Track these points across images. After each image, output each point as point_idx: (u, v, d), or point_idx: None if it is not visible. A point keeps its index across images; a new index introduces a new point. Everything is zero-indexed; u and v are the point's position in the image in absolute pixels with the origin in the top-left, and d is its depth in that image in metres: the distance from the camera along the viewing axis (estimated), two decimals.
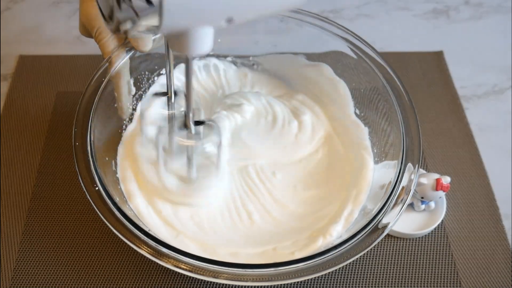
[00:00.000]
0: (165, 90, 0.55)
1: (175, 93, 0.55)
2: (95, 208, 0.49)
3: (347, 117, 0.64)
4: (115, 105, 0.59)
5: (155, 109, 0.56)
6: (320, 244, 0.53)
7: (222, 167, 0.58)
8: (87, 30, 0.56)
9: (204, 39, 0.41)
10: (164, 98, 0.55)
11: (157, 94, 0.56)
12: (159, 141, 0.55)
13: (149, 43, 0.56)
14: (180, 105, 0.55)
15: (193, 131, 0.51)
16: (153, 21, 0.36)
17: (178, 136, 0.51)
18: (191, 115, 0.49)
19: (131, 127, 0.62)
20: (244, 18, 0.40)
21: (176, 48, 0.42)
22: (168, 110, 0.56)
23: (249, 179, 0.60)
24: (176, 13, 0.35)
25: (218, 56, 0.68)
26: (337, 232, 0.54)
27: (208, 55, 0.68)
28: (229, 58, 0.69)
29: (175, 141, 0.53)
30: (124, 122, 0.61)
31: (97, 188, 0.50)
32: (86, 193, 0.49)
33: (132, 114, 0.62)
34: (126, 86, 0.58)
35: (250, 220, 0.57)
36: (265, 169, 0.61)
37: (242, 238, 0.55)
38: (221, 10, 0.38)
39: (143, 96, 0.63)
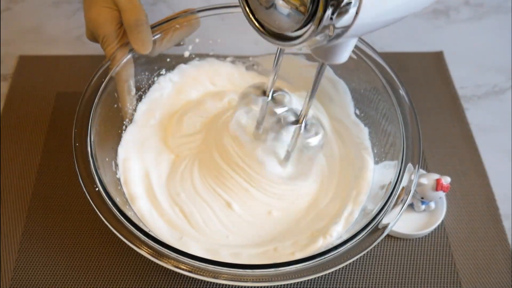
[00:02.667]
0: (257, 92, 0.57)
1: (272, 96, 0.56)
2: (95, 209, 0.49)
3: (347, 117, 0.64)
4: (115, 105, 0.59)
5: (250, 100, 0.57)
6: (320, 244, 0.53)
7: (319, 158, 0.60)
8: (94, 36, 0.57)
9: (348, 50, 0.43)
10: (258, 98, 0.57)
11: (249, 96, 0.57)
12: (265, 131, 0.57)
13: (150, 45, 0.56)
14: (276, 104, 0.56)
15: (302, 129, 0.53)
16: (334, 39, 0.36)
17: (285, 132, 0.54)
18: (306, 116, 0.52)
19: (131, 128, 0.62)
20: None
21: (318, 56, 0.43)
22: (263, 109, 0.56)
23: (248, 179, 0.60)
24: (357, 31, 0.36)
25: (218, 57, 0.68)
26: (337, 233, 0.54)
27: (207, 56, 0.68)
28: (229, 59, 0.69)
29: (280, 132, 0.55)
30: (124, 122, 0.61)
31: (97, 189, 0.50)
32: (86, 193, 0.50)
33: (132, 115, 0.62)
34: (126, 86, 0.58)
35: (251, 221, 0.57)
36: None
37: (244, 238, 0.55)
38: (399, 15, 0.39)
39: (143, 97, 0.63)
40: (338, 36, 0.36)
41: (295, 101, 0.59)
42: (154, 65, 0.64)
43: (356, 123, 0.64)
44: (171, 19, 0.61)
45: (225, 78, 0.69)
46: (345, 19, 0.34)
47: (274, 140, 0.56)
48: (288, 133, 0.54)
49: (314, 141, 0.54)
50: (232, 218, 0.57)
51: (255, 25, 0.40)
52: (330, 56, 0.43)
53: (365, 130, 0.63)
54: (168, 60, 0.65)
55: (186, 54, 0.66)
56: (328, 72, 0.65)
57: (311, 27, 0.35)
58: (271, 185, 0.58)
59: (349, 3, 0.34)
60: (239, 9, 0.64)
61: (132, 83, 0.59)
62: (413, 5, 0.39)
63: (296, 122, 0.54)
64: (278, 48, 0.52)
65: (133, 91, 0.60)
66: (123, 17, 0.55)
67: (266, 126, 0.57)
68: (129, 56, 0.58)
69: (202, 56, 0.67)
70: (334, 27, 0.35)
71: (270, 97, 0.56)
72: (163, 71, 0.65)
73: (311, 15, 0.35)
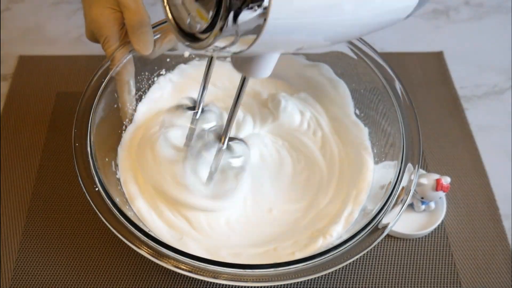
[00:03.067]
0: (190, 104, 0.56)
1: (203, 110, 0.56)
2: (95, 209, 0.49)
3: (347, 117, 0.64)
4: (115, 105, 0.59)
5: (177, 117, 0.56)
6: (320, 244, 0.53)
7: (244, 178, 0.58)
8: (94, 36, 0.56)
9: (270, 64, 0.42)
10: (188, 112, 0.56)
11: (182, 107, 0.56)
12: (190, 149, 0.56)
13: (151, 46, 0.56)
14: (204, 120, 0.56)
15: (224, 147, 0.51)
16: (244, 44, 0.34)
17: (205, 152, 0.52)
18: (228, 136, 0.50)
19: (131, 128, 0.62)
20: (315, 47, 0.40)
21: (239, 69, 0.42)
22: (192, 124, 0.56)
23: (250, 180, 0.60)
24: (269, 39, 0.34)
25: (218, 57, 0.68)
26: (337, 233, 0.54)
27: (207, 56, 0.68)
28: (229, 59, 0.69)
29: (202, 152, 0.53)
30: (124, 123, 0.61)
31: (97, 189, 0.50)
32: (86, 194, 0.49)
33: (132, 115, 0.62)
34: (126, 86, 0.58)
35: (253, 221, 0.57)
36: (265, 170, 0.61)
37: (244, 239, 0.55)
38: (307, 41, 0.38)
39: (143, 97, 0.63)
40: (247, 43, 0.34)
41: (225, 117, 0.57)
42: (154, 65, 0.64)
43: (356, 123, 0.64)
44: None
45: (225, 78, 0.69)
46: (251, 21, 0.32)
47: (197, 159, 0.55)
48: (210, 153, 0.52)
49: (236, 162, 0.53)
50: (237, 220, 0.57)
51: (171, 22, 0.39)
52: (249, 70, 0.42)
53: (365, 130, 0.63)
54: (168, 60, 0.65)
55: (186, 54, 0.66)
56: (328, 72, 0.65)
57: (215, 28, 0.33)
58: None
59: (257, 3, 0.31)
60: None
61: (132, 83, 0.59)
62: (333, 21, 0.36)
63: (219, 141, 0.52)
64: (208, 59, 0.51)
65: (133, 91, 0.60)
66: (125, 17, 0.55)
67: (192, 144, 0.56)
68: (130, 56, 0.58)
69: (202, 56, 0.67)
70: (240, 32, 0.33)
71: (199, 113, 0.55)
72: (163, 71, 0.65)
73: (216, 16, 0.33)
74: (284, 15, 0.33)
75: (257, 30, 0.33)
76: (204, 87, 0.53)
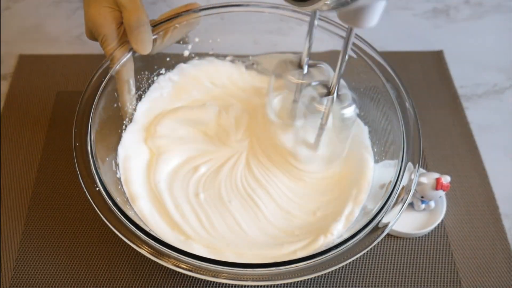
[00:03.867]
0: (299, 60, 0.56)
1: (309, 66, 0.56)
2: (96, 209, 0.49)
3: None
4: (115, 105, 0.59)
5: (286, 77, 0.56)
6: (321, 243, 0.53)
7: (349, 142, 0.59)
8: (93, 35, 0.56)
9: (376, 13, 0.41)
10: (295, 68, 0.56)
11: (292, 63, 0.56)
12: (297, 110, 0.56)
13: (150, 45, 0.56)
14: (311, 77, 0.56)
15: (334, 100, 0.52)
16: None
17: (318, 104, 0.53)
18: (337, 85, 0.51)
19: (131, 128, 0.62)
20: None
21: (346, 20, 0.42)
22: (300, 79, 0.56)
23: (252, 180, 0.60)
24: None
25: (217, 56, 0.68)
26: (338, 231, 0.54)
27: (207, 55, 0.68)
28: (228, 58, 0.69)
29: (312, 107, 0.54)
30: (124, 122, 0.61)
31: (97, 189, 0.50)
32: (87, 193, 0.49)
33: (132, 115, 0.62)
34: (126, 85, 0.58)
35: (255, 222, 0.57)
36: (265, 170, 0.61)
37: (245, 240, 0.55)
38: None
39: (143, 97, 0.63)
40: None
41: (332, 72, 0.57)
42: (154, 65, 0.64)
43: (356, 122, 0.63)
44: (172, 18, 0.61)
45: (224, 77, 0.69)
46: None
47: (307, 118, 0.55)
48: (321, 105, 0.52)
49: (348, 111, 0.53)
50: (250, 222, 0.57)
51: None
52: (358, 20, 0.41)
53: (365, 129, 0.63)
54: (167, 59, 0.65)
55: (186, 53, 0.66)
56: (328, 71, 0.65)
57: None
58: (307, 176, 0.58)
59: None
60: (239, 8, 0.64)
61: (132, 82, 0.59)
62: None
63: (328, 93, 0.52)
64: (312, 14, 0.51)
65: (133, 90, 0.60)
66: (124, 17, 0.55)
67: (300, 104, 0.56)
68: (129, 55, 0.58)
69: (201, 55, 0.67)
70: None
71: (305, 70, 0.55)
72: (162, 71, 0.65)
73: None
74: None
75: None
76: (309, 45, 0.53)
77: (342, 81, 0.57)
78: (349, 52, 0.48)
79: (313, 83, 0.55)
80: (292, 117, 0.59)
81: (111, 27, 0.55)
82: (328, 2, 0.35)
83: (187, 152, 0.61)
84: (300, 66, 0.56)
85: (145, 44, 0.55)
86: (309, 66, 0.56)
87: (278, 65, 0.57)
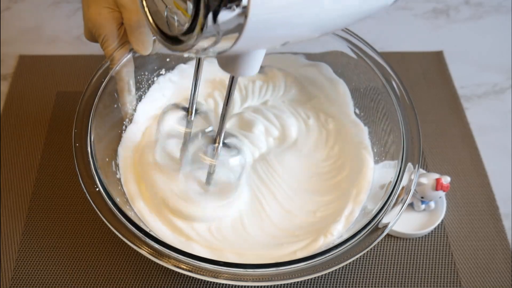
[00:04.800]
0: (185, 105, 0.55)
1: (196, 111, 0.55)
2: (96, 209, 0.49)
3: (346, 116, 0.64)
4: (115, 105, 0.59)
5: (171, 122, 0.56)
6: (321, 243, 0.53)
7: (242, 185, 0.58)
8: (93, 36, 0.56)
9: (257, 62, 0.41)
10: (181, 113, 0.55)
11: (177, 106, 0.56)
12: (185, 155, 0.55)
13: (150, 46, 0.56)
14: (198, 123, 0.55)
15: (219, 151, 0.51)
16: (226, 43, 0.33)
17: (202, 154, 0.51)
18: (222, 135, 0.49)
19: (131, 128, 0.62)
20: (301, 39, 0.40)
21: (225, 68, 0.41)
22: (186, 126, 0.56)
23: (257, 180, 0.60)
24: (253, 36, 0.34)
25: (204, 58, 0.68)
26: (338, 232, 0.54)
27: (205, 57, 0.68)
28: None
29: (197, 157, 0.53)
30: (124, 123, 0.61)
31: (97, 189, 0.50)
32: (87, 194, 0.49)
33: (132, 115, 0.62)
34: (126, 86, 0.58)
35: (258, 223, 0.57)
36: (270, 171, 0.61)
37: (247, 241, 0.55)
38: (292, 34, 0.37)
39: (143, 97, 0.63)
40: (230, 42, 0.33)
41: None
42: (154, 65, 0.63)
43: (356, 123, 0.64)
44: None
45: (224, 77, 0.69)
46: (232, 20, 0.32)
47: (194, 163, 0.54)
48: (205, 155, 0.51)
49: (233, 161, 0.52)
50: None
51: (152, 26, 0.38)
52: (236, 69, 0.41)
53: (365, 130, 0.63)
54: (168, 60, 0.65)
55: (185, 54, 0.66)
56: (328, 71, 0.65)
57: (196, 29, 0.32)
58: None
59: (235, 3, 0.31)
60: None
61: (132, 82, 0.59)
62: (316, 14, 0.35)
63: (214, 141, 0.51)
64: (196, 61, 0.51)
65: (133, 91, 0.60)
66: (124, 17, 0.55)
67: (189, 149, 0.55)
68: (129, 55, 0.58)
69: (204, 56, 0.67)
70: (221, 32, 0.32)
71: (193, 116, 0.55)
72: (162, 71, 0.65)
73: (195, 16, 0.32)
74: (264, 11, 0.32)
75: (239, 28, 0.32)
76: (194, 90, 0.53)
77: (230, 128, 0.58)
78: (233, 98, 0.47)
79: (202, 131, 0.54)
80: (178, 163, 0.57)
81: (111, 27, 0.55)
82: (199, 46, 0.34)
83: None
84: (187, 112, 0.55)
85: (146, 45, 0.55)
86: (196, 112, 0.55)
87: (165, 112, 0.57)
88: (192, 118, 0.55)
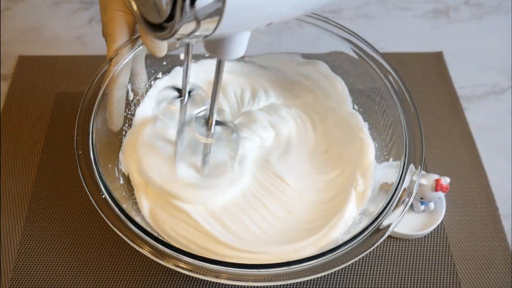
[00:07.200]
0: (179, 87, 0.56)
1: (189, 93, 0.55)
2: (101, 214, 0.48)
3: (345, 109, 0.65)
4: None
5: (166, 104, 0.56)
6: (339, 227, 0.54)
7: (242, 169, 0.58)
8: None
9: (242, 43, 0.41)
10: (176, 95, 0.56)
11: (171, 88, 0.56)
12: (180, 136, 0.56)
13: (165, 48, 0.56)
14: (194, 104, 0.56)
15: (212, 130, 0.51)
16: (208, 27, 0.34)
17: (198, 133, 0.52)
18: (215, 115, 0.50)
19: (130, 133, 0.61)
20: (284, 19, 0.40)
21: (212, 52, 0.42)
22: (181, 109, 0.56)
23: (261, 179, 0.60)
24: (233, 19, 0.34)
25: (213, 57, 0.68)
26: (352, 210, 0.55)
27: (202, 57, 0.68)
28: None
29: (192, 137, 0.53)
30: (124, 128, 0.61)
31: (103, 196, 0.49)
32: (92, 200, 0.49)
33: (131, 120, 0.62)
34: (123, 90, 0.57)
35: (261, 223, 0.57)
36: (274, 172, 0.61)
37: (248, 242, 0.55)
38: (274, 14, 0.38)
39: (141, 102, 0.63)
40: (212, 26, 0.34)
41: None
42: (151, 69, 0.63)
43: (354, 114, 0.64)
44: None
45: (223, 78, 0.69)
46: (210, 5, 0.32)
47: (187, 148, 0.55)
48: (201, 136, 0.52)
49: (228, 137, 0.53)
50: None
51: (136, 14, 0.39)
52: (222, 52, 0.41)
53: (365, 125, 0.63)
54: (164, 63, 0.65)
55: (182, 56, 0.66)
56: (325, 69, 0.66)
57: (176, 16, 0.33)
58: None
59: None
60: None
61: (124, 93, 0.59)
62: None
63: (206, 122, 0.52)
64: (186, 44, 0.51)
65: (131, 95, 0.60)
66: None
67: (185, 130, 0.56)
68: (129, 57, 0.57)
69: (197, 57, 0.67)
70: (200, 16, 0.33)
71: (186, 98, 0.55)
72: (159, 75, 0.65)
73: (174, 2, 0.33)
74: None
75: (218, 12, 0.33)
76: (186, 72, 0.53)
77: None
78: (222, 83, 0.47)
79: (198, 111, 0.55)
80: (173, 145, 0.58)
81: (121, 29, 0.55)
82: (181, 33, 0.34)
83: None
84: (180, 95, 0.55)
85: (161, 47, 0.56)
86: (190, 94, 0.56)
87: (158, 97, 0.57)
88: (186, 100, 0.55)
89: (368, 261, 0.58)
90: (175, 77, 0.66)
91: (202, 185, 0.56)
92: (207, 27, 0.34)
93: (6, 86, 0.74)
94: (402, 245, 0.60)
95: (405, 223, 0.60)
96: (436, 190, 0.58)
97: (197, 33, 0.34)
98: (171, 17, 0.33)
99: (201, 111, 0.55)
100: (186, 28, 0.33)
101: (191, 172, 0.57)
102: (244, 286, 0.53)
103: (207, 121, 0.51)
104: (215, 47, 0.41)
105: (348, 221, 0.55)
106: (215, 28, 0.34)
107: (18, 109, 0.71)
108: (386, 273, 0.58)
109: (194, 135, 0.53)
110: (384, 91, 0.59)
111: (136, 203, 0.57)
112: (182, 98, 0.55)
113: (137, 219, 0.50)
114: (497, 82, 0.76)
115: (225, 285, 0.56)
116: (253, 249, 0.53)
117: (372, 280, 0.57)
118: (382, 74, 0.59)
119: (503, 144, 0.69)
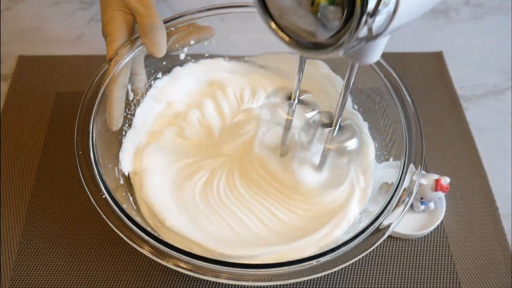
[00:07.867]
0: (288, 94, 0.55)
1: (298, 100, 0.55)
2: (101, 214, 0.48)
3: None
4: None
5: (274, 115, 0.56)
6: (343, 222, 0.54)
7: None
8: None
9: (379, 49, 0.41)
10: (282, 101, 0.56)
11: (278, 93, 0.56)
12: (297, 142, 0.56)
13: (164, 48, 0.56)
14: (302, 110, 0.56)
15: (335, 133, 0.51)
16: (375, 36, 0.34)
17: (319, 136, 0.52)
18: (339, 116, 0.50)
19: (130, 133, 0.61)
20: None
21: (349, 57, 0.42)
22: (289, 115, 0.55)
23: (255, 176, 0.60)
24: (398, 25, 0.35)
25: (213, 57, 0.68)
26: (355, 207, 0.55)
27: (202, 57, 0.68)
28: (224, 59, 0.69)
29: (312, 140, 0.53)
30: (124, 128, 0.61)
31: (104, 196, 0.50)
32: (92, 200, 0.49)
33: (131, 120, 0.62)
34: (123, 90, 0.57)
35: (262, 224, 0.57)
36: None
37: (250, 242, 0.55)
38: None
39: (141, 102, 0.63)
40: (379, 35, 0.34)
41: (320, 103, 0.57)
42: (151, 69, 0.63)
43: (354, 113, 0.64)
44: (170, 21, 0.61)
45: (223, 78, 0.69)
46: (384, 16, 0.32)
47: (305, 149, 0.56)
48: (322, 138, 0.52)
49: (350, 144, 0.52)
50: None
51: (286, 41, 0.38)
52: (362, 57, 0.41)
53: (365, 124, 0.63)
54: (164, 63, 0.65)
55: (182, 56, 0.66)
56: (324, 68, 0.66)
57: (349, 29, 0.33)
58: (305, 203, 0.57)
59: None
60: (232, 10, 0.64)
61: (128, 87, 0.59)
62: None
63: (329, 125, 0.51)
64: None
65: (131, 95, 0.60)
66: (138, 20, 0.55)
67: (294, 136, 0.57)
68: (128, 58, 0.57)
69: (197, 57, 0.67)
70: (372, 27, 0.33)
71: (297, 100, 0.55)
72: (159, 75, 0.65)
73: (347, 16, 0.33)
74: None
75: (388, 21, 0.33)
76: (301, 74, 0.52)
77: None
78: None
79: (311, 114, 0.54)
80: (285, 149, 0.59)
81: (120, 28, 0.56)
82: (348, 46, 0.34)
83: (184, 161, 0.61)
84: (290, 98, 0.55)
85: (161, 47, 0.56)
86: (299, 100, 0.55)
87: (264, 104, 0.57)
88: (294, 106, 0.55)
89: (368, 261, 0.58)
90: (175, 77, 0.66)
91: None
92: (373, 36, 0.34)
93: (6, 86, 0.74)
94: (402, 245, 0.60)
95: (405, 223, 0.60)
96: (436, 190, 0.58)
97: (360, 44, 0.34)
98: (337, 33, 0.34)
99: (313, 115, 0.54)
100: (354, 42, 0.34)
101: (311, 174, 0.57)
102: (244, 286, 0.53)
103: (326, 123, 0.51)
104: (355, 54, 0.41)
105: (351, 219, 0.55)
106: (378, 36, 0.34)
107: (18, 109, 0.71)
108: (386, 273, 0.58)
109: (311, 137, 0.53)
110: (384, 91, 0.59)
111: (136, 203, 0.57)
112: (292, 101, 0.55)
113: (137, 219, 0.50)
114: (497, 82, 0.76)
115: (225, 285, 0.56)
116: (253, 248, 0.53)
117: (372, 280, 0.57)
118: (382, 74, 0.59)
119: (503, 144, 0.69)
